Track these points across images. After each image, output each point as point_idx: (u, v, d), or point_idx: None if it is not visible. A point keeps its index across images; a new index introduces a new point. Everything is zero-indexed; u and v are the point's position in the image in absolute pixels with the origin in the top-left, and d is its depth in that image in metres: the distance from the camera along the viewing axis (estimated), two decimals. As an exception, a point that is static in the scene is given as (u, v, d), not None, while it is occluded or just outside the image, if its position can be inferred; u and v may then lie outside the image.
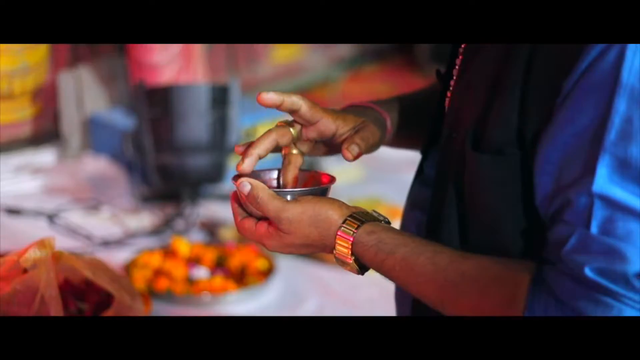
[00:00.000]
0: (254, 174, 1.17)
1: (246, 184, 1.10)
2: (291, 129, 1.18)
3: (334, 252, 1.10)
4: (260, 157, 1.14)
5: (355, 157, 1.17)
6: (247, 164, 1.13)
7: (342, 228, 1.08)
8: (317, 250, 1.12)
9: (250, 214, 1.13)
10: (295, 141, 1.18)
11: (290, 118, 1.20)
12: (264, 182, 1.14)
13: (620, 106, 0.93)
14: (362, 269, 1.10)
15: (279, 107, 1.16)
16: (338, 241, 1.09)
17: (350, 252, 1.08)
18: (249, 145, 1.15)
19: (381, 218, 1.11)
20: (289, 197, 1.11)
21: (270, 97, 1.15)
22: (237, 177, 1.13)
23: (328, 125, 1.18)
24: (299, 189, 1.14)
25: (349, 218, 1.09)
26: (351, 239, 1.08)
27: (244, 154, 1.14)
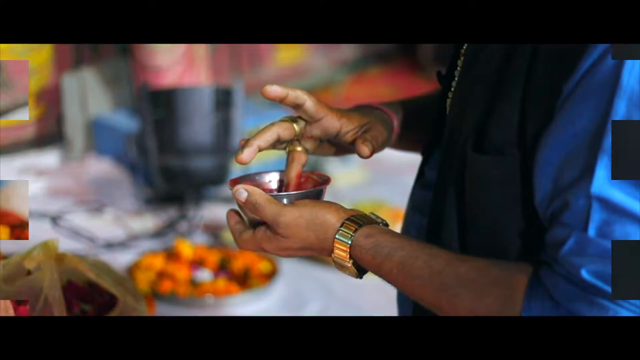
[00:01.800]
0: (251, 177, 1.17)
1: (242, 192, 1.10)
2: (294, 125, 1.18)
3: (332, 255, 1.10)
4: (260, 149, 1.15)
5: (370, 154, 1.18)
6: (247, 154, 1.14)
7: (340, 232, 1.08)
8: (315, 253, 1.12)
9: (247, 218, 1.14)
10: (298, 138, 1.19)
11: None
12: (260, 184, 1.14)
13: (620, 108, 0.93)
14: (360, 272, 1.10)
15: (283, 100, 1.16)
16: (336, 245, 1.08)
17: (348, 256, 1.08)
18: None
19: (379, 220, 1.11)
20: (285, 201, 1.11)
21: (274, 89, 1.16)
22: (233, 182, 1.13)
23: (332, 122, 1.19)
24: (294, 192, 1.14)
25: (346, 221, 1.09)
26: (349, 242, 1.08)
27: (244, 145, 1.14)
